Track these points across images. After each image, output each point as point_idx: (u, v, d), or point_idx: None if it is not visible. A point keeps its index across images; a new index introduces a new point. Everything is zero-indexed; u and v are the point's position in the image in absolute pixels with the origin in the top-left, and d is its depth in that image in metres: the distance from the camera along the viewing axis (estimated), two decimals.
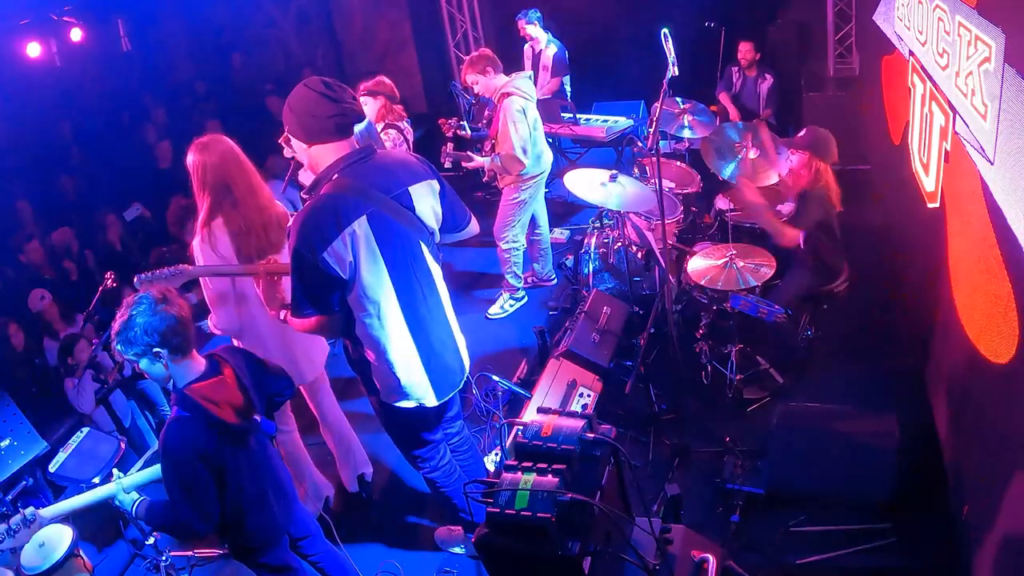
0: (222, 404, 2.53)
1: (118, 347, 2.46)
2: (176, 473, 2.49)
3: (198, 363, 2.58)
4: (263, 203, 3.34)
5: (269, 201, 3.38)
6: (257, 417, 2.67)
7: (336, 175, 2.65)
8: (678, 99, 5.72)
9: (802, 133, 4.23)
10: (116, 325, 2.45)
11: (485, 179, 5.29)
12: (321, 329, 2.86)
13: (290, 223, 2.78)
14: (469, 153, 5.19)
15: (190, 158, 3.24)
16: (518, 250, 5.41)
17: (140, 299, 2.45)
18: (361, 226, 2.64)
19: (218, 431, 2.53)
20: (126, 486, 2.73)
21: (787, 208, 4.49)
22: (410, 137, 5.00)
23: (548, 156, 5.29)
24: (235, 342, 3.43)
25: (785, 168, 4.35)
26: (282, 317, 2.94)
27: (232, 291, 3.35)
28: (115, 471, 2.82)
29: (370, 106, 4.72)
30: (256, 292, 3.29)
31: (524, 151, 4.93)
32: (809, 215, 4.10)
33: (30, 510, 2.60)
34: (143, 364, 2.50)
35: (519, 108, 4.89)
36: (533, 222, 5.52)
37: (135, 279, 3.02)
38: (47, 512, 2.67)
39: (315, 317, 2.75)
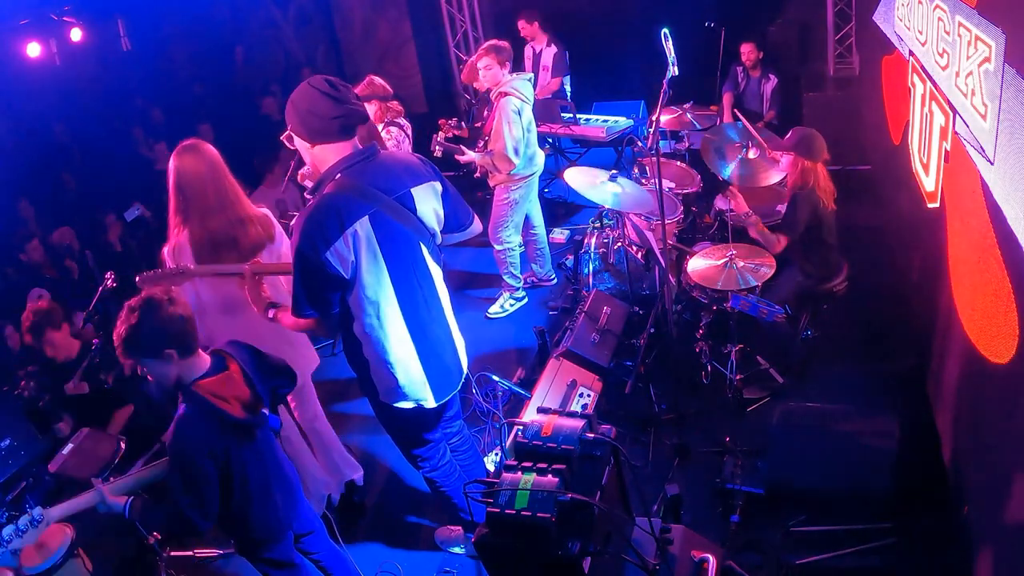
0: (230, 399, 2.54)
1: (124, 353, 2.44)
2: (182, 469, 2.49)
3: (203, 360, 2.59)
4: (233, 218, 3.21)
5: (240, 220, 3.23)
6: (265, 410, 2.68)
7: (339, 175, 2.65)
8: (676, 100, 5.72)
9: (788, 135, 4.24)
10: (122, 330, 2.42)
11: (477, 175, 5.29)
12: (317, 328, 2.86)
13: (292, 222, 2.76)
14: (462, 147, 5.18)
15: (170, 162, 3.19)
16: (513, 250, 5.41)
17: (146, 301, 2.44)
18: (363, 226, 2.64)
19: (225, 426, 2.53)
20: (112, 490, 2.67)
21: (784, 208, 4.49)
22: (410, 133, 5.00)
23: (540, 158, 5.29)
24: None
25: (781, 171, 4.38)
26: (270, 316, 2.93)
27: (195, 304, 3.26)
28: (93, 480, 2.76)
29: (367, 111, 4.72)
30: (219, 297, 3.26)
31: (516, 151, 4.94)
32: (796, 218, 4.11)
33: (38, 510, 2.59)
34: (150, 367, 2.49)
35: (514, 109, 4.89)
36: (528, 222, 5.52)
37: (137, 279, 3.02)
38: (55, 512, 2.67)
39: (313, 317, 2.75)
